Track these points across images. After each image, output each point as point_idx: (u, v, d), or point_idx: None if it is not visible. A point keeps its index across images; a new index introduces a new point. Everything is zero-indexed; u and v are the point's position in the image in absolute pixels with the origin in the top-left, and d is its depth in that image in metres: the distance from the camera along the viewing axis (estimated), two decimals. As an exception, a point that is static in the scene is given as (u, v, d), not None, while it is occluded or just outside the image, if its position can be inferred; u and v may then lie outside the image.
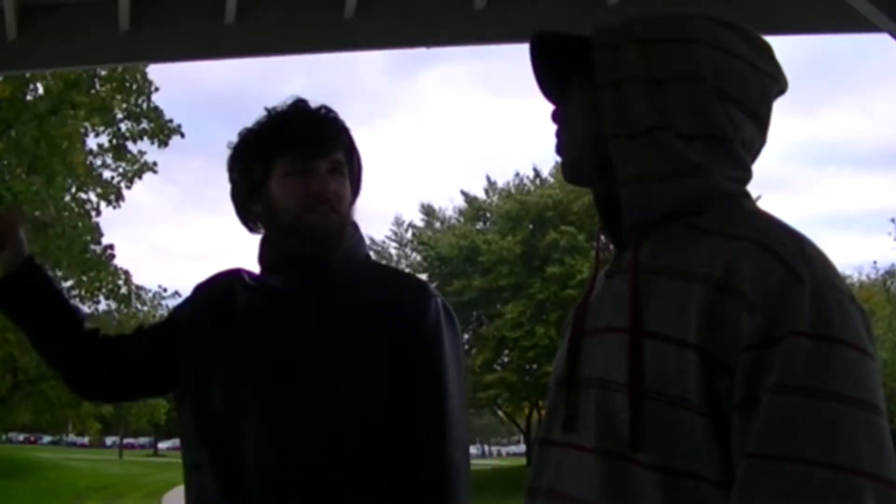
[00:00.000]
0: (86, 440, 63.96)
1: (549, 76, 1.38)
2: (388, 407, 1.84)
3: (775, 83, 1.30)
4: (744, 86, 1.26)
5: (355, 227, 2.01)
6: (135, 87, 17.88)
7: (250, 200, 1.98)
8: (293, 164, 1.92)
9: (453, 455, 1.85)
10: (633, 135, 1.24)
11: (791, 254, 1.13)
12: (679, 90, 1.24)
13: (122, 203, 19.04)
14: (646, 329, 1.17)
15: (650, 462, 1.13)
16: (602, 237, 1.36)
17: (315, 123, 1.96)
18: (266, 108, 2.00)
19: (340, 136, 1.98)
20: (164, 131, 18.07)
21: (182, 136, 17.76)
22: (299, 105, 1.98)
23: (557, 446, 1.26)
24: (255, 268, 2.03)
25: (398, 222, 34.13)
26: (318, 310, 1.91)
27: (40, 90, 17.26)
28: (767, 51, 1.30)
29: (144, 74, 17.79)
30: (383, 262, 29.62)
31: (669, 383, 1.13)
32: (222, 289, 2.03)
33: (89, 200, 19.14)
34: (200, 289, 2.09)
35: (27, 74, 14.47)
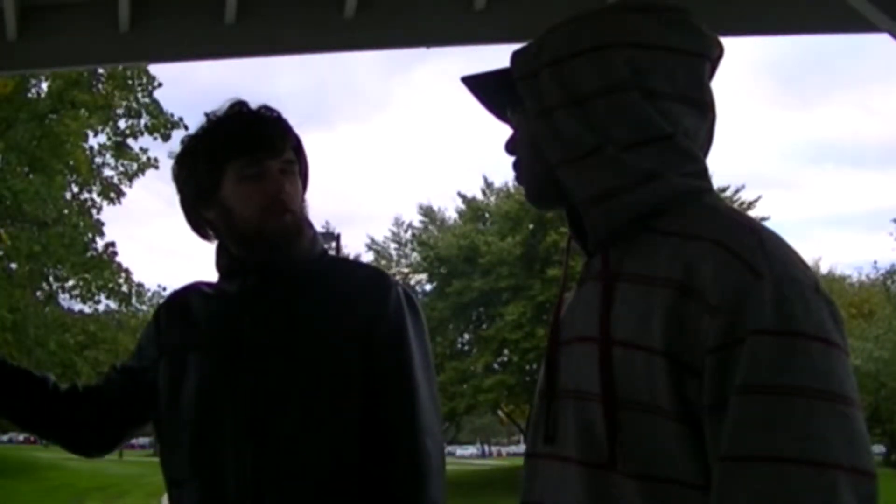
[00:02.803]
0: (86, 440, 63.89)
1: (496, 106, 1.37)
2: (358, 402, 1.84)
3: (704, 58, 1.27)
4: (671, 77, 1.23)
5: (309, 224, 1.99)
6: (138, 84, 17.83)
7: (202, 207, 1.95)
8: (246, 168, 1.89)
9: (425, 444, 1.84)
10: (577, 158, 1.23)
11: (749, 250, 1.12)
12: (605, 105, 1.22)
13: (122, 199, 19.07)
14: (615, 338, 1.16)
15: (630, 471, 1.13)
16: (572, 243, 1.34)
17: (262, 124, 1.94)
18: (206, 114, 1.97)
19: (288, 135, 1.96)
20: (165, 125, 18.04)
21: (186, 128, 17.69)
22: (242, 107, 1.95)
23: (542, 458, 1.26)
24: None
25: (398, 223, 34.16)
26: (280, 313, 1.90)
27: (44, 88, 17.25)
28: (688, 24, 1.26)
29: (146, 70, 17.76)
30: (382, 262, 29.70)
31: (640, 391, 1.13)
32: (180, 305, 2.03)
33: (91, 199, 19.15)
34: (160, 311, 2.09)
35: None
